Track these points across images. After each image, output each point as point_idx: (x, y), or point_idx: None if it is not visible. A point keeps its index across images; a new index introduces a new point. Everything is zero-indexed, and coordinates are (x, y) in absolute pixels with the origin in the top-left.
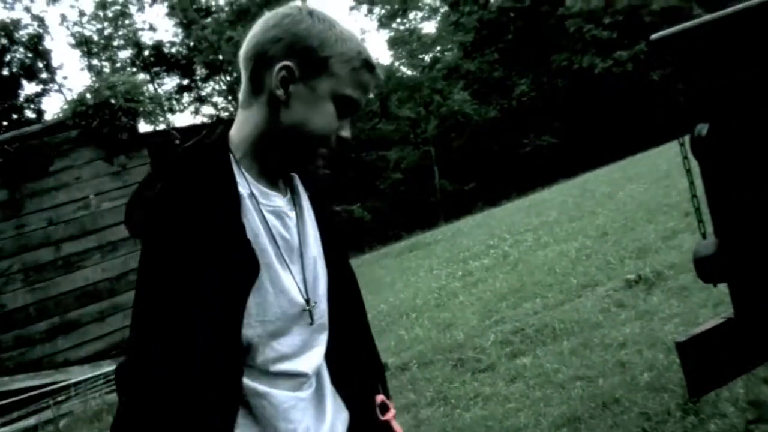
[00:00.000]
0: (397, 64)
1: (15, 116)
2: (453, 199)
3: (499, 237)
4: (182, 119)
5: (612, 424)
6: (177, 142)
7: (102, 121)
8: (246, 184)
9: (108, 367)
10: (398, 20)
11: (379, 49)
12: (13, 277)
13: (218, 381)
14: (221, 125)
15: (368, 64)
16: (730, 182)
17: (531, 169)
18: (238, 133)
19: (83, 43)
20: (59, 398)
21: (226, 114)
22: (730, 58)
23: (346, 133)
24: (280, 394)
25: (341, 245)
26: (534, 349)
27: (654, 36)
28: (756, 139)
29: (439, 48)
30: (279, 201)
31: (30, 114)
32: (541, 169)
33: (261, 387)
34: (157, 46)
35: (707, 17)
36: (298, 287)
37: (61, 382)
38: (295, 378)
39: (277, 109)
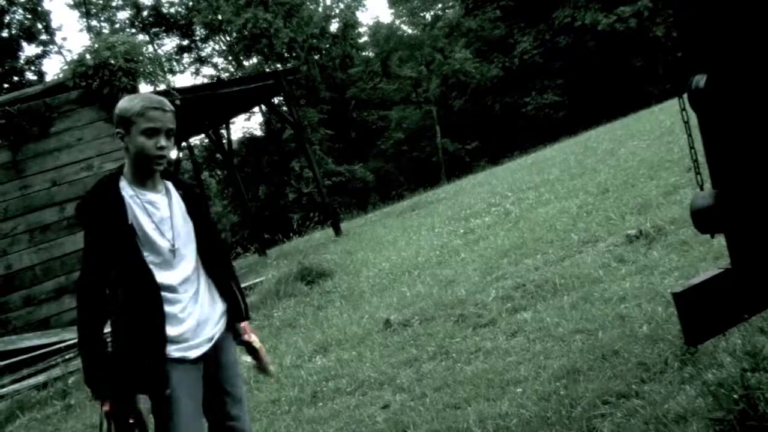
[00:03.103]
0: (398, 22)
1: (16, 78)
2: (455, 158)
3: (500, 195)
4: (183, 80)
5: (611, 375)
6: (177, 102)
7: (102, 81)
8: (130, 190)
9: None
10: None
11: (379, 7)
12: (18, 237)
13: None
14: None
15: (149, 108)
16: (728, 133)
17: (533, 127)
18: (126, 164)
19: (81, 4)
20: (67, 356)
21: (227, 75)
22: (725, 8)
23: (160, 144)
24: (168, 295)
25: (203, 212)
26: (535, 304)
27: None
28: (753, 88)
29: (440, 5)
30: (150, 196)
31: (31, 76)
32: (544, 127)
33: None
34: (156, 7)
35: None
36: (166, 239)
37: (68, 340)
38: (171, 286)
39: (126, 150)
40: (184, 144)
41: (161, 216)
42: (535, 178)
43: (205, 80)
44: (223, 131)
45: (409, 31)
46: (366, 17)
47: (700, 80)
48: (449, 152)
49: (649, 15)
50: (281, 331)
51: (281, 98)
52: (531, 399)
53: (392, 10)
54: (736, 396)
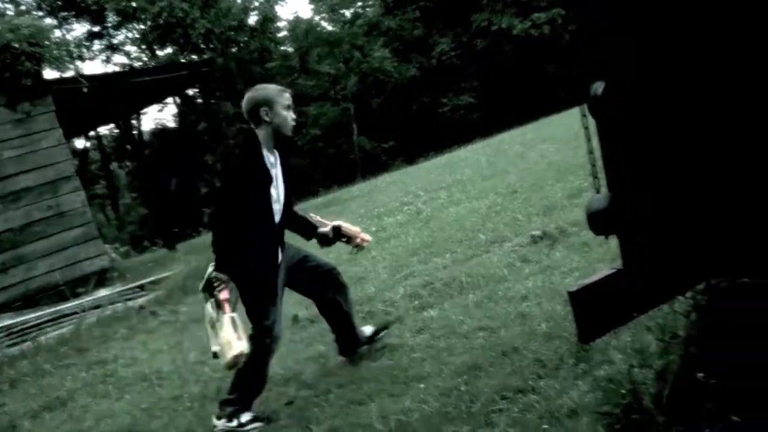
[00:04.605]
0: (317, 18)
1: None
2: (371, 157)
3: (413, 194)
4: (93, 67)
5: (510, 371)
6: (85, 90)
7: (4, 65)
8: (262, 151)
9: (9, 320)
10: None
11: (299, 2)
12: None
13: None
14: (250, 130)
15: (283, 92)
16: (620, 139)
17: (449, 128)
18: (259, 134)
19: None
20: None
21: (139, 64)
22: (622, 18)
23: (293, 116)
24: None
25: (288, 171)
26: (441, 302)
27: None
28: (642, 97)
29: (360, 3)
30: (272, 158)
31: None
32: (459, 128)
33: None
34: None
35: None
36: (277, 190)
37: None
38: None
39: (269, 123)
40: (92, 133)
41: (276, 173)
42: (447, 178)
43: (117, 68)
44: (134, 122)
45: (329, 27)
46: (285, 12)
47: (599, 88)
48: (366, 150)
49: (562, 22)
50: (187, 326)
51: (196, 90)
52: (433, 395)
53: (312, 6)
54: (623, 391)
